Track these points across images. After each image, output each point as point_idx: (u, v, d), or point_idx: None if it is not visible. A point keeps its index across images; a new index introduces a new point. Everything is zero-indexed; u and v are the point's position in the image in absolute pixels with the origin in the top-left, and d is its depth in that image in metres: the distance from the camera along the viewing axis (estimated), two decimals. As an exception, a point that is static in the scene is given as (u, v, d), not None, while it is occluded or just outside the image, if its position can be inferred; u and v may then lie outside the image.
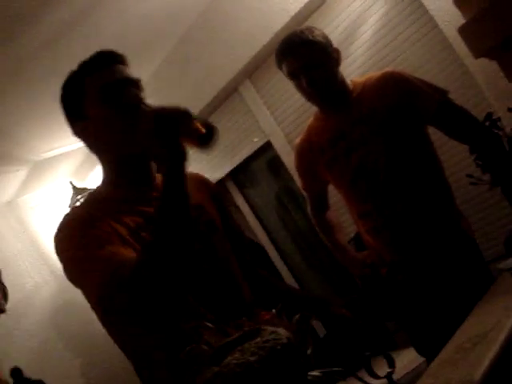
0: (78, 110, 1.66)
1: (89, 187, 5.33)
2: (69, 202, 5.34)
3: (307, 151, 2.60)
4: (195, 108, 4.45)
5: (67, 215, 1.63)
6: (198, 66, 4.37)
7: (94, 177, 5.66)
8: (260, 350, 1.11)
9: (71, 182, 5.36)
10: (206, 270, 1.64)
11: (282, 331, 1.16)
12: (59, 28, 3.31)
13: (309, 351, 1.18)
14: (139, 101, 1.63)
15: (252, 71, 4.27)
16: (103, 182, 1.73)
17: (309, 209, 2.81)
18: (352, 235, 2.83)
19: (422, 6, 3.34)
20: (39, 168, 5.18)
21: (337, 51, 2.45)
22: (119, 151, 1.66)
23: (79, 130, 1.68)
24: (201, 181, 1.99)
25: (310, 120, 2.65)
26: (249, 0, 3.91)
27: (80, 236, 1.51)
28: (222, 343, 1.18)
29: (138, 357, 1.57)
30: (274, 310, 1.24)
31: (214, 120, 4.67)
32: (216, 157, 4.77)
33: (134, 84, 1.69)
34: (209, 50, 4.27)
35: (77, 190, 5.30)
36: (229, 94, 4.49)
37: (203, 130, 1.43)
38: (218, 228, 1.80)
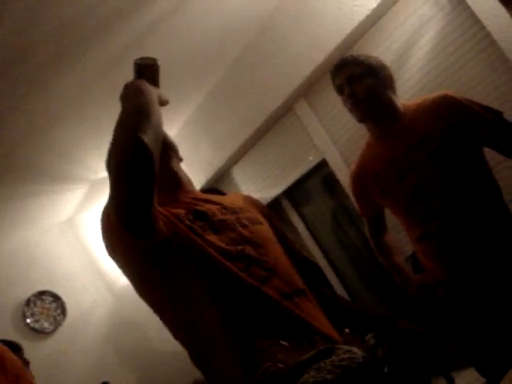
0: None
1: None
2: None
3: (361, 178, 2.61)
4: (251, 126, 4.53)
5: None
6: (254, 85, 4.41)
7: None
8: (336, 368, 1.11)
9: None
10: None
11: (356, 350, 1.16)
12: (117, 52, 3.40)
13: (385, 369, 1.17)
14: None
15: (307, 90, 4.29)
16: None
17: (367, 232, 2.81)
18: (409, 254, 2.81)
19: (478, 22, 3.28)
20: (97, 187, 5.30)
21: (389, 76, 2.48)
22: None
23: None
24: (251, 199, 2.04)
25: (363, 147, 2.66)
26: (303, 21, 3.93)
27: None
28: (297, 362, 1.17)
29: (213, 373, 1.59)
30: (347, 330, 1.23)
31: (269, 138, 4.71)
32: (271, 175, 4.78)
33: None
34: (264, 69, 4.30)
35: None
36: (284, 112, 4.51)
37: None
38: (262, 223, 1.85)
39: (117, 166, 1.51)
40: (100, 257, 5.57)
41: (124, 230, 1.53)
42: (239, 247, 1.65)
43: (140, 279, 1.65)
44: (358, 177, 2.63)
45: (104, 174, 5.15)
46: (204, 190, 3.23)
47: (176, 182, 1.86)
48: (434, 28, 3.52)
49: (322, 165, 4.46)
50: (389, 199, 2.50)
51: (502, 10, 3.08)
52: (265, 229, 1.83)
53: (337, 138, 4.23)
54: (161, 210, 1.63)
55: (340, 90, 2.47)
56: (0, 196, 4.31)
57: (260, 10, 3.98)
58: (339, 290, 4.78)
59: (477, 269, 2.29)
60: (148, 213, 1.53)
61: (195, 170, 5.20)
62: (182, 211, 1.68)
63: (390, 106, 2.43)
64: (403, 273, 2.57)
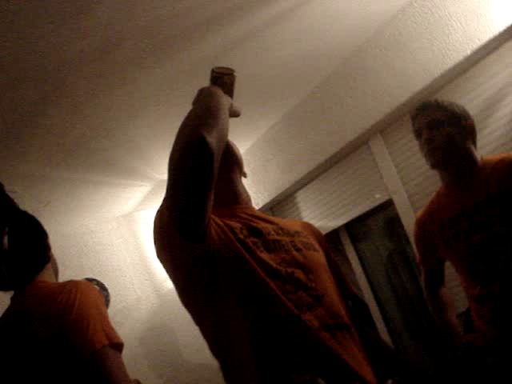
0: None
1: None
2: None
3: (427, 226, 2.55)
4: (322, 154, 4.50)
5: None
6: (332, 113, 4.39)
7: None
8: None
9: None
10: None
11: None
12: (202, 59, 3.45)
13: None
14: None
15: (385, 127, 4.23)
16: None
17: (423, 282, 2.74)
18: (462, 310, 2.72)
19: None
20: (160, 186, 5.35)
21: (471, 126, 2.44)
22: None
23: None
24: (310, 226, 2.02)
25: (433, 194, 2.61)
26: (393, 57, 3.88)
27: None
28: None
29: None
30: (390, 382, 1.18)
31: (339, 169, 4.67)
32: (335, 206, 4.73)
33: None
34: (345, 99, 4.28)
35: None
36: (358, 145, 4.46)
37: None
38: (318, 251, 1.82)
39: (175, 161, 1.50)
40: (151, 256, 5.61)
41: (175, 230, 1.52)
42: (289, 269, 1.62)
43: (184, 285, 1.64)
44: (424, 224, 2.57)
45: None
46: None
47: (235, 197, 1.84)
48: (527, 84, 3.42)
49: (388, 204, 4.38)
50: (452, 252, 2.42)
51: None
52: (319, 256, 1.79)
53: (407, 180, 4.15)
54: (216, 219, 1.61)
55: (418, 134, 2.45)
56: (65, 180, 4.39)
57: (351, 40, 3.97)
58: (383, 333, 4.68)
59: None
60: (201, 215, 1.50)
61: (260, 189, 5.20)
62: (237, 225, 1.66)
63: (468, 156, 2.37)
64: (453, 331, 2.49)
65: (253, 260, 1.56)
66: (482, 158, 2.39)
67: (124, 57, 3.11)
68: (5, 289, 1.75)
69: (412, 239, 2.85)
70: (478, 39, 3.42)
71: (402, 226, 4.21)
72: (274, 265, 1.60)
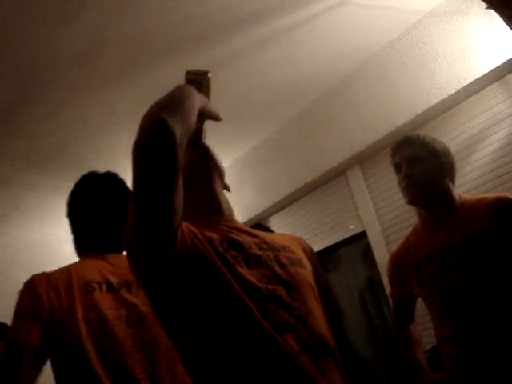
0: None
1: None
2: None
3: (402, 261, 2.52)
4: (299, 181, 4.48)
5: None
6: (312, 141, 4.39)
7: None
8: None
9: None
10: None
11: None
12: (179, 78, 3.39)
13: None
14: None
15: (364, 159, 4.23)
16: None
17: (393, 316, 2.71)
18: (429, 347, 2.70)
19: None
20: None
21: (451, 164, 2.41)
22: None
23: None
24: (301, 241, 1.87)
25: (410, 230, 2.58)
26: (377, 90, 3.90)
27: None
28: None
29: None
30: None
31: (315, 196, 4.65)
32: (308, 233, 4.70)
33: None
34: (326, 128, 4.27)
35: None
36: (336, 175, 4.45)
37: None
38: (305, 267, 1.68)
39: (135, 148, 1.37)
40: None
41: (138, 230, 1.35)
42: (270, 286, 1.48)
43: (150, 296, 1.53)
44: (399, 259, 2.54)
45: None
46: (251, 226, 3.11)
47: (216, 208, 1.69)
48: (507, 127, 3.44)
49: (361, 236, 4.36)
50: (425, 291, 2.39)
51: None
52: (305, 273, 1.64)
53: (382, 214, 4.14)
54: (193, 228, 1.49)
55: (397, 169, 2.43)
56: (37, 185, 4.32)
57: (337, 69, 3.98)
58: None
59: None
60: (167, 212, 1.33)
61: (234, 210, 5.15)
62: (216, 236, 1.52)
63: (446, 194, 2.36)
64: (419, 368, 2.45)
65: (231, 275, 1.41)
66: (459, 197, 2.38)
67: (105, 66, 3.07)
68: None
69: (383, 272, 2.82)
70: (463, 79, 3.45)
71: (373, 259, 4.19)
72: (254, 281, 1.45)
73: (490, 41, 3.31)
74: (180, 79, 3.29)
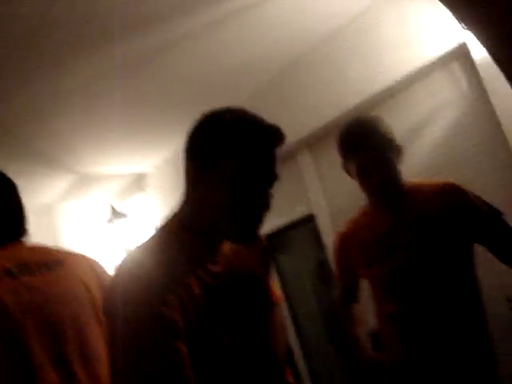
0: (214, 154, 1.56)
1: (126, 212, 5.36)
2: (104, 221, 5.37)
3: (349, 243, 2.54)
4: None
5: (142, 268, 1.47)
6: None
7: (133, 203, 5.71)
8: None
9: (111, 204, 5.39)
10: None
11: None
12: (134, 56, 3.40)
13: None
14: (263, 206, 1.63)
15: (314, 142, 4.28)
16: (179, 225, 1.61)
17: (337, 296, 2.76)
18: (371, 329, 2.76)
19: (494, 119, 3.28)
20: (83, 180, 5.26)
21: (400, 148, 2.38)
22: (208, 215, 1.57)
23: (198, 167, 1.58)
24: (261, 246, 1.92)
25: (358, 212, 2.59)
26: (325, 74, 3.96)
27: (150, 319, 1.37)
28: None
29: None
30: None
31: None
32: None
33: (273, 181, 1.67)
34: (274, 112, 4.24)
35: (114, 213, 5.33)
36: (285, 158, 4.47)
37: None
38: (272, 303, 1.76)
39: None
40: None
41: None
42: None
43: None
44: (346, 241, 2.56)
45: (92, 170, 5.18)
46: None
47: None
48: (451, 114, 3.55)
49: (310, 219, 4.43)
50: (371, 271, 2.44)
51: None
52: None
53: (330, 196, 4.21)
54: None
55: (363, 172, 2.32)
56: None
57: (286, 54, 4.01)
58: (296, 349, 4.71)
59: (438, 363, 2.24)
60: None
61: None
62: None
63: (399, 180, 2.37)
64: (359, 346, 2.51)
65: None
66: (406, 182, 2.41)
67: (55, 45, 3.00)
68: None
69: (330, 255, 2.86)
70: (409, 66, 3.52)
71: (321, 241, 4.26)
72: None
73: (436, 28, 3.37)
74: (128, 60, 3.29)
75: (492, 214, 2.28)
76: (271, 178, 1.64)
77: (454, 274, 2.27)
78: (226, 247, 1.66)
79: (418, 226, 2.27)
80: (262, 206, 1.61)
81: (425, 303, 2.26)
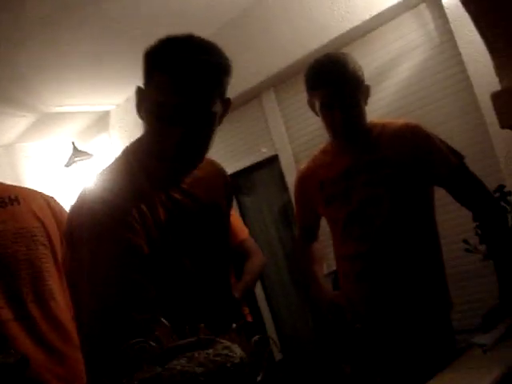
0: (144, 77, 1.60)
1: (89, 151, 5.29)
2: (66, 161, 5.29)
3: (309, 182, 2.53)
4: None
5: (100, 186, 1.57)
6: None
7: (96, 143, 5.63)
8: (209, 362, 1.03)
9: (73, 143, 5.31)
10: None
11: (236, 349, 1.09)
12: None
13: (259, 378, 1.10)
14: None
15: (278, 82, 4.24)
16: (142, 143, 1.66)
17: (297, 237, 2.77)
18: (332, 269, 2.79)
19: (460, 63, 3.30)
20: (45, 120, 5.16)
21: (367, 88, 2.36)
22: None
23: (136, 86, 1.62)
24: (220, 173, 1.98)
25: (318, 150, 2.59)
26: (292, 12, 3.88)
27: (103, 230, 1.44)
28: (172, 345, 1.10)
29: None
30: (234, 325, 1.16)
31: (229, 119, 4.62)
32: (221, 157, 4.68)
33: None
34: (239, 51, 4.22)
35: (76, 152, 5.25)
36: (249, 98, 4.45)
37: None
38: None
39: None
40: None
41: None
42: None
43: None
44: (306, 179, 2.57)
45: (54, 109, 5.08)
46: None
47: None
48: (418, 56, 3.54)
49: (274, 160, 4.42)
50: (329, 210, 2.45)
51: (486, 57, 3.08)
52: None
53: (294, 138, 4.21)
54: None
55: (326, 107, 2.28)
56: None
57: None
58: (258, 284, 4.76)
59: (393, 304, 2.28)
60: None
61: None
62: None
63: (362, 120, 2.36)
64: (318, 284, 2.52)
65: None
66: (369, 122, 2.40)
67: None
68: None
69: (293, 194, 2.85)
70: (378, 6, 3.47)
71: (284, 182, 4.27)
72: None
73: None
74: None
75: (454, 156, 2.29)
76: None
77: (412, 215, 2.30)
78: (192, 176, 1.71)
79: (377, 167, 2.28)
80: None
81: (380, 244, 2.29)
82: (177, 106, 1.50)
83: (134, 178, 1.56)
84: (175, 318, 1.17)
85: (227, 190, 1.94)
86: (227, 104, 1.71)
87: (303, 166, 2.64)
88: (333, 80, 2.23)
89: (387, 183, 2.26)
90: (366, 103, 2.36)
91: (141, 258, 1.43)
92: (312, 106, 2.41)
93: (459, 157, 2.30)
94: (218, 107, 1.61)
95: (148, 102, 1.54)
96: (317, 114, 2.38)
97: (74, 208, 1.53)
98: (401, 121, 2.44)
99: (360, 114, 2.31)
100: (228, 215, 1.91)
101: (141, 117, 1.59)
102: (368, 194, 2.28)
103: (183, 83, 1.50)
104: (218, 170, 1.98)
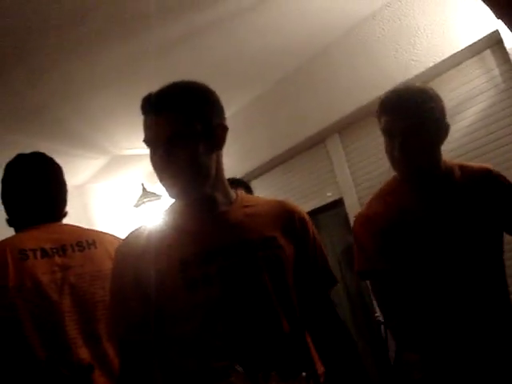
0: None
1: (158, 193, 5.42)
2: (135, 201, 5.43)
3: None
4: (280, 147, 4.54)
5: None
6: (294, 108, 4.45)
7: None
8: None
9: (142, 184, 5.45)
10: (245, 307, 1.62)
11: None
12: (171, 39, 3.47)
13: None
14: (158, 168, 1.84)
15: (343, 127, 4.31)
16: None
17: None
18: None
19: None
20: (116, 161, 5.32)
21: (445, 125, 2.24)
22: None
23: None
24: (284, 209, 1.99)
25: (386, 192, 2.39)
26: (358, 60, 3.98)
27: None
28: None
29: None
30: (304, 374, 1.19)
31: (295, 163, 4.73)
32: (287, 199, 4.73)
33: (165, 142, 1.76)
34: (307, 96, 4.33)
35: (146, 193, 5.39)
36: (315, 143, 4.52)
37: None
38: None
39: None
40: (101, 229, 5.58)
41: None
42: None
43: None
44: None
45: (125, 151, 5.23)
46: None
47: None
48: (483, 102, 3.54)
49: (339, 203, 4.45)
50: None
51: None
52: None
53: (359, 182, 4.23)
54: None
55: (389, 135, 2.19)
56: (18, 144, 4.32)
57: (319, 39, 4.02)
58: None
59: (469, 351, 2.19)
60: None
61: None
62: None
63: (438, 162, 2.26)
64: None
65: None
66: (444, 161, 2.28)
67: (91, 28, 3.08)
68: None
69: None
70: (442, 53, 3.52)
71: (349, 225, 4.27)
72: None
73: (469, 16, 3.36)
74: (161, 45, 3.35)
75: None
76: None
77: (485, 261, 2.18)
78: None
79: (463, 210, 2.18)
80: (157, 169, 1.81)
81: (455, 289, 2.20)
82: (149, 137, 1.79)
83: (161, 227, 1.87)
84: (248, 364, 1.22)
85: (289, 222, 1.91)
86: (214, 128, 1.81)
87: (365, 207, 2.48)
88: (395, 107, 2.16)
89: (462, 226, 2.17)
90: (441, 141, 2.25)
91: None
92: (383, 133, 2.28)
93: None
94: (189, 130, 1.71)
95: None
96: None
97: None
98: (477, 164, 2.37)
99: (424, 145, 2.17)
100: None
101: None
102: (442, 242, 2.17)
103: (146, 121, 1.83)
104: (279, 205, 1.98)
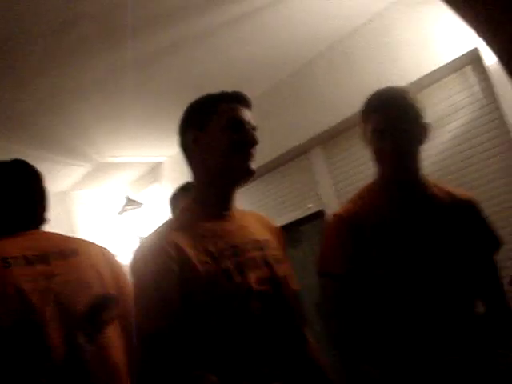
0: (202, 122, 1.91)
1: (140, 200, 5.43)
2: (119, 209, 5.44)
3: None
4: (262, 158, 4.53)
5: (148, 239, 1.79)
6: (275, 121, 4.48)
7: (147, 193, 5.78)
8: None
9: (126, 193, 5.47)
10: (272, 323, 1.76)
11: None
12: (162, 48, 3.49)
13: None
14: (254, 142, 1.95)
15: (327, 139, 4.35)
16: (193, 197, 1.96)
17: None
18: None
19: (505, 125, 3.33)
20: (100, 169, 5.34)
21: (428, 126, 2.21)
22: (213, 172, 1.89)
23: (191, 138, 1.93)
24: (266, 220, 2.17)
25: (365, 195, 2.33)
26: (340, 73, 4.05)
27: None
28: None
29: None
30: None
31: (277, 174, 4.75)
32: (268, 210, 4.79)
33: (253, 129, 1.98)
34: (289, 109, 4.38)
35: (129, 201, 5.40)
36: (298, 154, 4.55)
37: None
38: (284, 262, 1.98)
39: None
40: (83, 237, 5.58)
41: None
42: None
43: None
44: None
45: (109, 159, 5.25)
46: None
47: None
48: (463, 117, 3.60)
49: (320, 215, 4.48)
50: None
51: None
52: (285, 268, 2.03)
53: (341, 194, 4.26)
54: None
55: (379, 134, 2.15)
56: (6, 152, 4.34)
57: (302, 53, 4.10)
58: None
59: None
60: None
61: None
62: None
63: (420, 164, 2.24)
64: None
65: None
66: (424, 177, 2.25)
67: (77, 38, 3.10)
68: None
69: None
70: (424, 68, 3.59)
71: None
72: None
73: (451, 32, 3.43)
74: (145, 55, 3.36)
75: (498, 240, 2.22)
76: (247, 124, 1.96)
77: (455, 274, 2.09)
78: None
79: (439, 227, 2.15)
80: (251, 142, 1.94)
81: (421, 299, 2.08)
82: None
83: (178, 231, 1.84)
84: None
85: (282, 240, 2.19)
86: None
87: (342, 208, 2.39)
88: (386, 106, 2.16)
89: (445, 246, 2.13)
90: (422, 142, 2.21)
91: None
92: (365, 137, 2.25)
93: (497, 243, 2.22)
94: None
95: None
96: (368, 144, 2.24)
97: (136, 253, 1.79)
98: (458, 189, 2.35)
99: (411, 142, 2.16)
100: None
101: None
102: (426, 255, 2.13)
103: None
104: (260, 217, 2.18)
